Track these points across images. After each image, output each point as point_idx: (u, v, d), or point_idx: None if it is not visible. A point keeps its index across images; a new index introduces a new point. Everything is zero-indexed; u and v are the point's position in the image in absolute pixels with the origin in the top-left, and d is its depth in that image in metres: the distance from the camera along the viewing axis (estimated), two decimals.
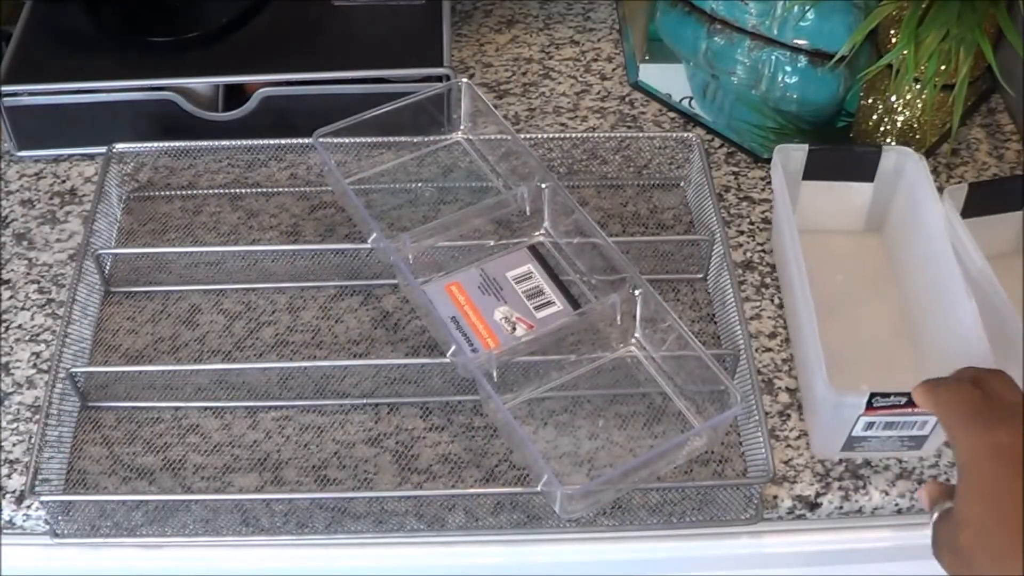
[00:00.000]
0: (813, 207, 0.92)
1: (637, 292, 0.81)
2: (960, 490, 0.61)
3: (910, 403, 0.73)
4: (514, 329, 0.83)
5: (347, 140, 0.93)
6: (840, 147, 0.97)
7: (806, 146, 0.89)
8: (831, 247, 0.93)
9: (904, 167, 0.90)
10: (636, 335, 0.83)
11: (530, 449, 0.73)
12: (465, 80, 0.94)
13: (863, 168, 0.91)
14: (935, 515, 0.63)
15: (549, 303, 0.84)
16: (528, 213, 0.90)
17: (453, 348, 0.79)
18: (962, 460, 0.61)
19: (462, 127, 0.96)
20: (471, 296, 0.85)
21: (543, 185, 0.88)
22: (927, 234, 0.85)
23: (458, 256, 0.88)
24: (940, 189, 0.88)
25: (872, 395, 0.74)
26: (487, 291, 0.85)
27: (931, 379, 0.66)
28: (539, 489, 0.72)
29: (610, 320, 0.83)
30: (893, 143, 1.02)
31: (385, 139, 0.95)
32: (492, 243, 0.89)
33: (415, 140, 0.96)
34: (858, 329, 0.88)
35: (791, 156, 0.90)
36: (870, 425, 0.76)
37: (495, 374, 0.79)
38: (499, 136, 0.94)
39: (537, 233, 0.90)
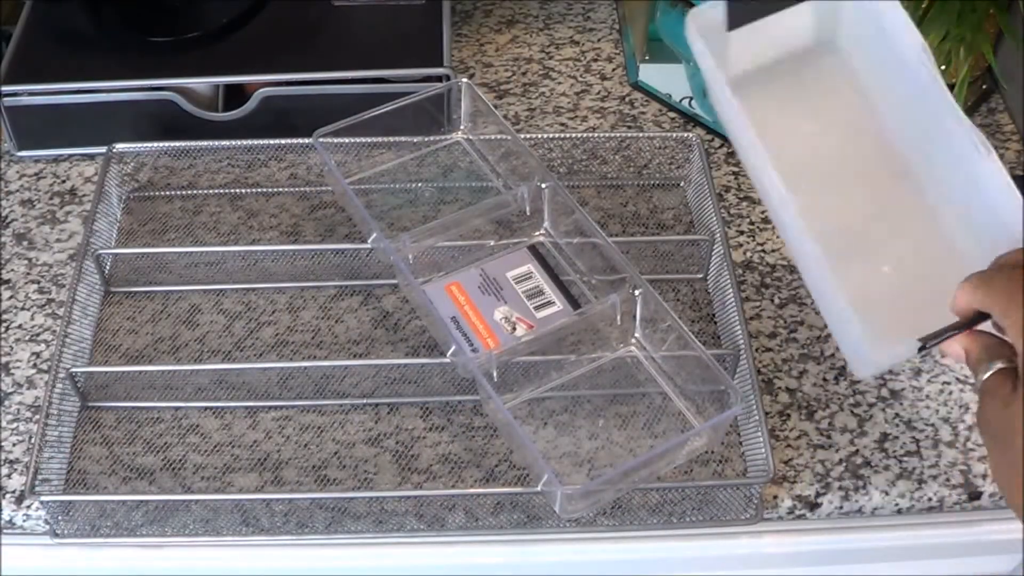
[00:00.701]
0: (746, 51, 0.74)
1: (637, 292, 0.81)
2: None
3: (969, 326, 0.63)
4: (514, 329, 0.83)
5: (347, 140, 0.93)
6: None
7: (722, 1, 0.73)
8: (776, 78, 0.75)
9: None
10: (636, 335, 0.83)
11: (530, 449, 0.73)
12: (465, 80, 0.94)
13: None
14: (985, 374, 0.60)
15: (549, 303, 0.84)
16: (528, 213, 0.90)
17: (453, 348, 0.79)
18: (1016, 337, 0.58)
19: (462, 127, 0.96)
20: (471, 296, 0.85)
21: (543, 185, 0.88)
22: (900, 59, 0.71)
23: (458, 256, 0.88)
24: None
25: (922, 341, 0.64)
26: (487, 291, 0.85)
27: (976, 274, 0.62)
28: (539, 489, 0.72)
29: (610, 320, 0.83)
30: None
31: (385, 139, 0.95)
32: (492, 243, 0.89)
33: (415, 140, 0.96)
34: (845, 214, 0.74)
35: (706, 15, 0.73)
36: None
37: (495, 374, 0.79)
38: (499, 136, 0.94)
39: (537, 233, 0.90)
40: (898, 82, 0.74)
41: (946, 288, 0.64)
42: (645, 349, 0.83)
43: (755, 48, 0.77)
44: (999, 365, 0.60)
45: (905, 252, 0.74)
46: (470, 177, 0.96)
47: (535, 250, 0.89)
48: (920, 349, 0.65)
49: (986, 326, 0.63)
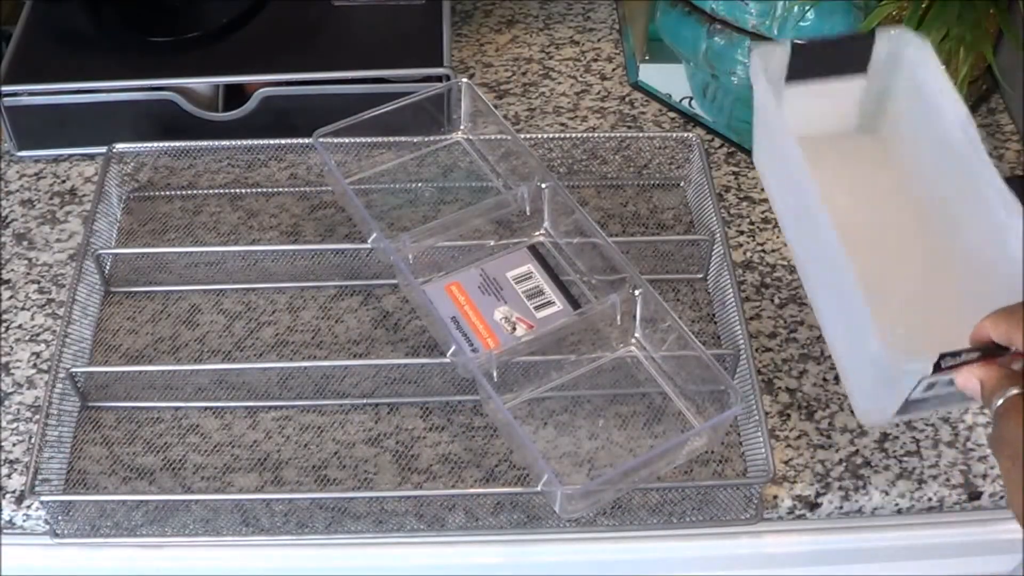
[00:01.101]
0: (795, 115, 0.77)
1: (637, 292, 0.81)
2: None
3: (985, 356, 0.62)
4: (514, 329, 0.83)
5: (347, 140, 0.93)
6: (828, 38, 0.86)
7: (788, 41, 0.76)
8: (820, 155, 0.75)
9: (902, 54, 0.76)
10: (636, 335, 0.83)
11: (530, 449, 0.73)
12: (465, 80, 0.94)
13: (854, 58, 0.78)
14: (1000, 400, 0.60)
15: (549, 303, 0.84)
16: (528, 213, 0.90)
17: (453, 348, 0.79)
18: None
19: (462, 127, 0.96)
20: (471, 296, 0.85)
21: (543, 185, 0.88)
22: (942, 133, 0.73)
23: (458, 256, 0.88)
24: None
25: (941, 356, 0.62)
26: (487, 291, 0.85)
27: (1002, 308, 0.61)
28: (539, 489, 0.72)
29: (610, 320, 0.83)
30: None
31: (385, 139, 0.95)
32: (492, 243, 0.89)
33: (415, 140, 0.96)
34: (873, 263, 0.73)
35: (773, 56, 0.76)
36: (931, 386, 0.65)
37: (495, 374, 0.79)
38: (499, 136, 0.94)
39: (537, 233, 0.90)
40: (939, 154, 0.76)
41: (965, 331, 0.64)
42: (645, 349, 0.83)
43: (799, 120, 0.78)
44: (1015, 391, 0.60)
45: (927, 299, 0.74)
46: (470, 177, 0.96)
47: (535, 250, 0.89)
48: (935, 366, 0.63)
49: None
